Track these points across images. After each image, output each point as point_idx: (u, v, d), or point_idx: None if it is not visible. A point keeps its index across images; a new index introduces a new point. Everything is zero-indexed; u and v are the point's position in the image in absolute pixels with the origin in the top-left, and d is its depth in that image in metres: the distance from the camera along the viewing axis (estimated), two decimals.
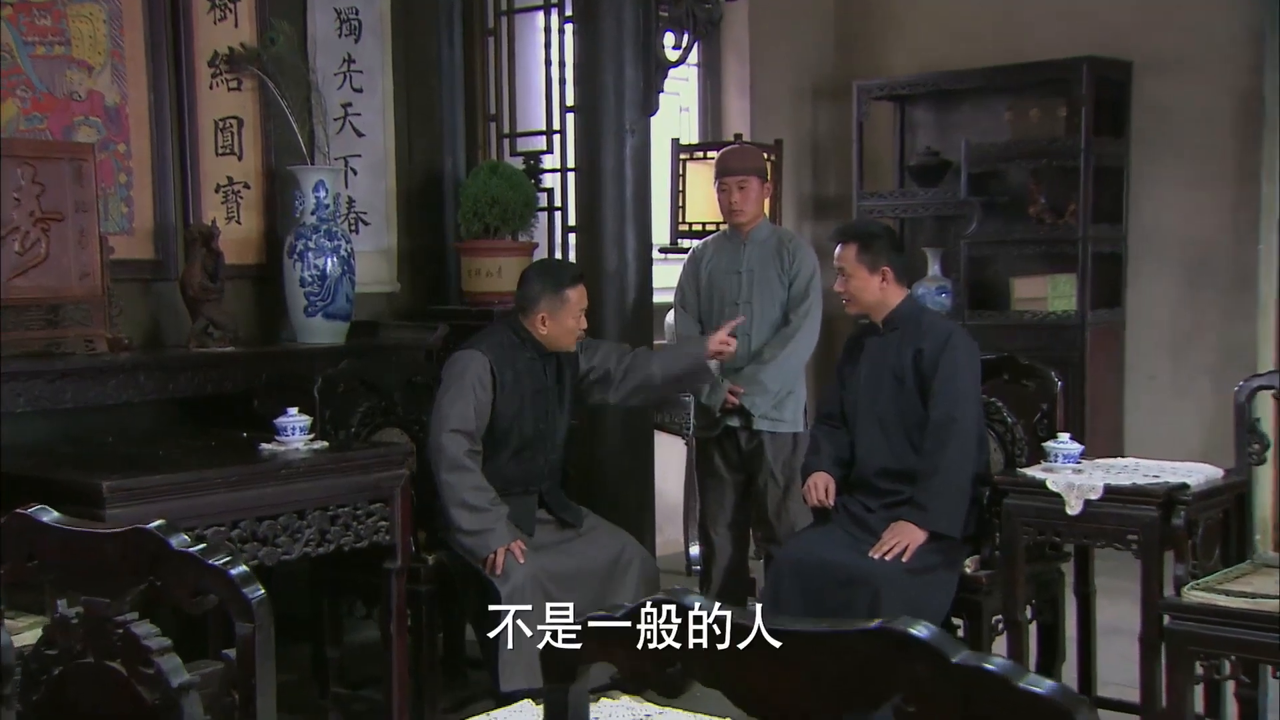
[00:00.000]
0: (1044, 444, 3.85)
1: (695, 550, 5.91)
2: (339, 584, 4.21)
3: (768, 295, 4.78)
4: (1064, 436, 3.81)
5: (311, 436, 3.78)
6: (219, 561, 1.70)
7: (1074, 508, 3.59)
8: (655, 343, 5.16)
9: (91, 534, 1.80)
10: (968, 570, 3.86)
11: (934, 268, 6.74)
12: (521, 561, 3.96)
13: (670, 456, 5.78)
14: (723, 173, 4.83)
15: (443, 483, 3.99)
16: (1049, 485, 3.63)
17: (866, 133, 6.99)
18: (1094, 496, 3.56)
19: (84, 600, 1.77)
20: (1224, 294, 6.25)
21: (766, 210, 4.99)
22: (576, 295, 4.18)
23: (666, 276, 5.37)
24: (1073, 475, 3.67)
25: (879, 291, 4.03)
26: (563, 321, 4.16)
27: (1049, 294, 6.41)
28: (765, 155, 5.47)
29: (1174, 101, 6.31)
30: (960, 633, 3.92)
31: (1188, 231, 6.36)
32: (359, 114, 5.17)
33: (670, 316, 5.40)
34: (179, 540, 1.73)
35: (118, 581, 1.76)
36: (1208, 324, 6.32)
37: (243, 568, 1.70)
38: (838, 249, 4.08)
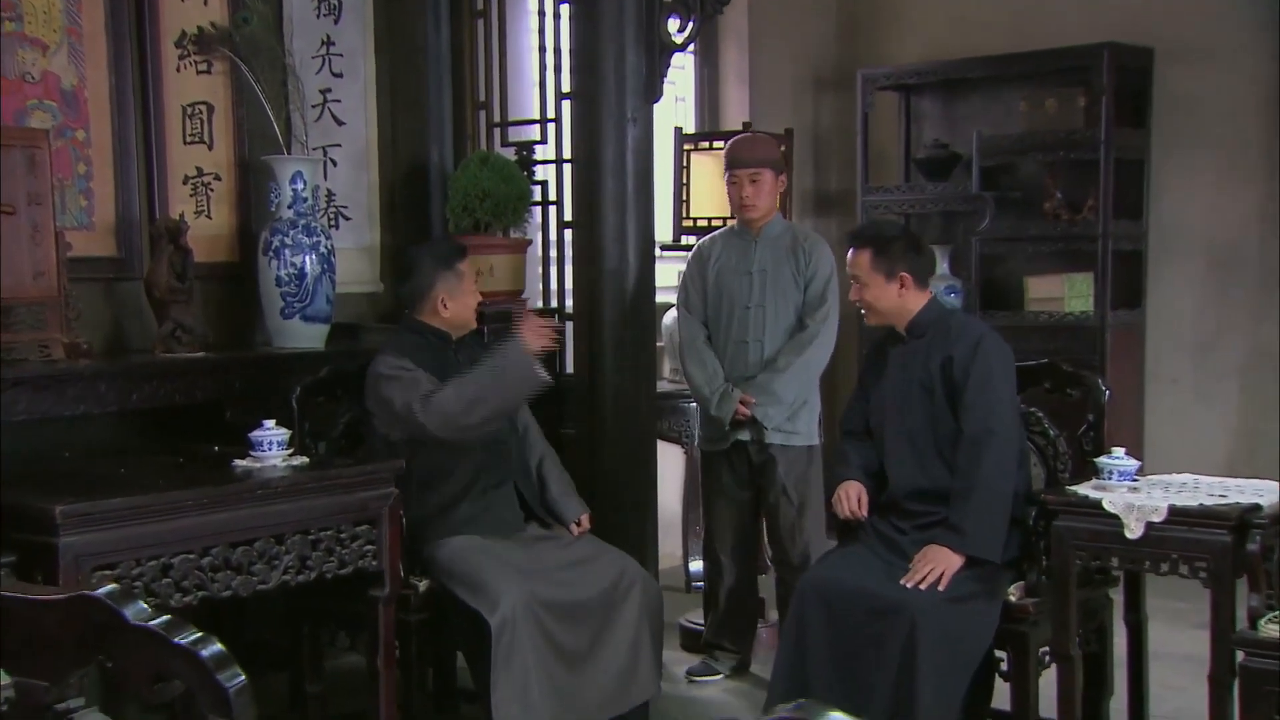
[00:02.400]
0: (1096, 459, 3.54)
1: (695, 566, 5.65)
2: (320, 612, 3.92)
3: (781, 298, 4.51)
4: (1118, 451, 3.50)
5: (290, 451, 3.55)
6: (187, 639, 1.35)
7: (1134, 531, 3.27)
8: (657, 344, 4.87)
9: (27, 601, 1.45)
10: (1011, 598, 3.54)
11: (943, 266, 6.45)
12: None
13: (669, 466, 5.51)
14: (733, 164, 4.55)
15: (448, 416, 3.75)
16: (1105, 506, 3.32)
17: (871, 124, 6.72)
18: (1157, 519, 3.24)
19: (17, 683, 1.42)
20: (1251, 294, 6.00)
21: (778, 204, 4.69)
22: (468, 268, 4.08)
23: (669, 275, 5.09)
24: (1130, 494, 3.35)
25: (897, 299, 3.75)
26: (463, 298, 4.03)
27: (1065, 294, 6.16)
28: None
29: (1198, 91, 6.05)
30: (1004, 666, 3.61)
31: (1212, 228, 6.11)
32: (339, 100, 4.92)
33: (668, 317, 5.08)
34: (136, 610, 1.38)
35: (59, 660, 1.41)
36: (1233, 325, 6.06)
37: (217, 647, 1.35)
38: (850, 254, 3.79)
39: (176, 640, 1.36)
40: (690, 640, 5.01)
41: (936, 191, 6.52)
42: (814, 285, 4.48)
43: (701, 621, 4.94)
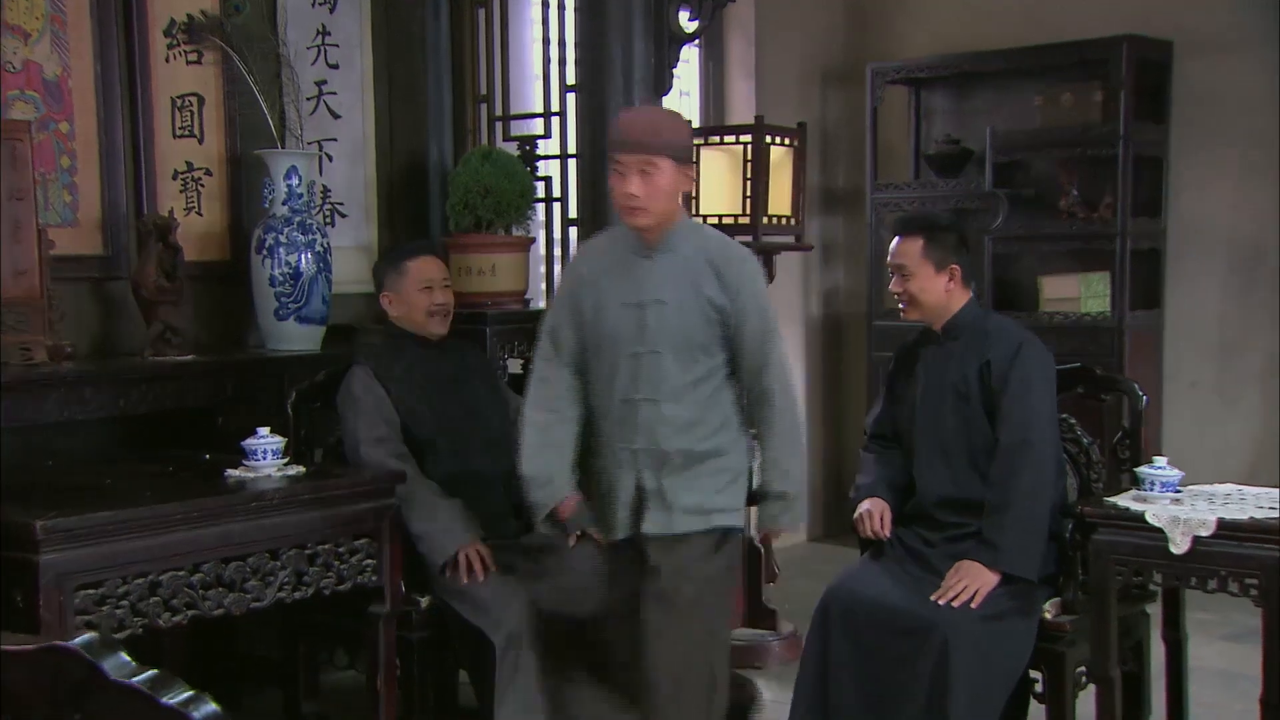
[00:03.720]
0: (1137, 469, 3.36)
1: None
2: (317, 628, 3.78)
3: (684, 341, 3.23)
4: (1160, 460, 3.32)
5: (285, 460, 3.44)
6: (176, 699, 1.17)
7: (1180, 545, 3.09)
8: None
9: None
10: (1047, 616, 3.37)
11: None
12: (482, 579, 3.56)
13: None
14: (618, 145, 3.24)
15: None
16: (1149, 519, 3.14)
17: (881, 119, 6.55)
18: (1205, 533, 3.07)
19: None
20: (1273, 294, 5.83)
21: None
22: (417, 266, 3.87)
23: None
24: (1174, 506, 3.18)
25: (944, 294, 3.54)
26: (406, 296, 3.86)
27: (1081, 294, 5.99)
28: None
29: (1218, 85, 5.88)
30: (1039, 687, 3.43)
31: (1233, 226, 5.94)
32: (334, 93, 4.77)
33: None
34: (116, 664, 1.19)
35: None
36: (1256, 327, 5.89)
37: (211, 707, 1.17)
38: (896, 242, 3.57)
39: (164, 700, 1.18)
40: None
41: (948, 189, 6.35)
42: (750, 325, 3.22)
43: None
